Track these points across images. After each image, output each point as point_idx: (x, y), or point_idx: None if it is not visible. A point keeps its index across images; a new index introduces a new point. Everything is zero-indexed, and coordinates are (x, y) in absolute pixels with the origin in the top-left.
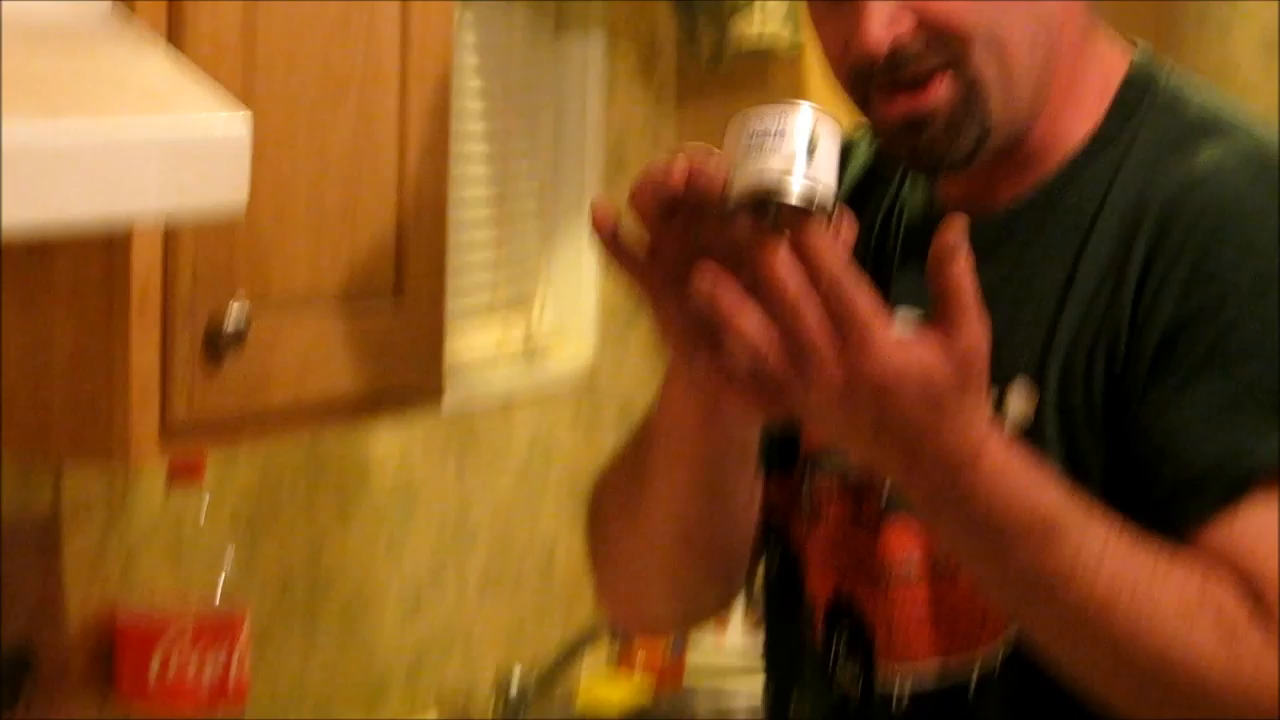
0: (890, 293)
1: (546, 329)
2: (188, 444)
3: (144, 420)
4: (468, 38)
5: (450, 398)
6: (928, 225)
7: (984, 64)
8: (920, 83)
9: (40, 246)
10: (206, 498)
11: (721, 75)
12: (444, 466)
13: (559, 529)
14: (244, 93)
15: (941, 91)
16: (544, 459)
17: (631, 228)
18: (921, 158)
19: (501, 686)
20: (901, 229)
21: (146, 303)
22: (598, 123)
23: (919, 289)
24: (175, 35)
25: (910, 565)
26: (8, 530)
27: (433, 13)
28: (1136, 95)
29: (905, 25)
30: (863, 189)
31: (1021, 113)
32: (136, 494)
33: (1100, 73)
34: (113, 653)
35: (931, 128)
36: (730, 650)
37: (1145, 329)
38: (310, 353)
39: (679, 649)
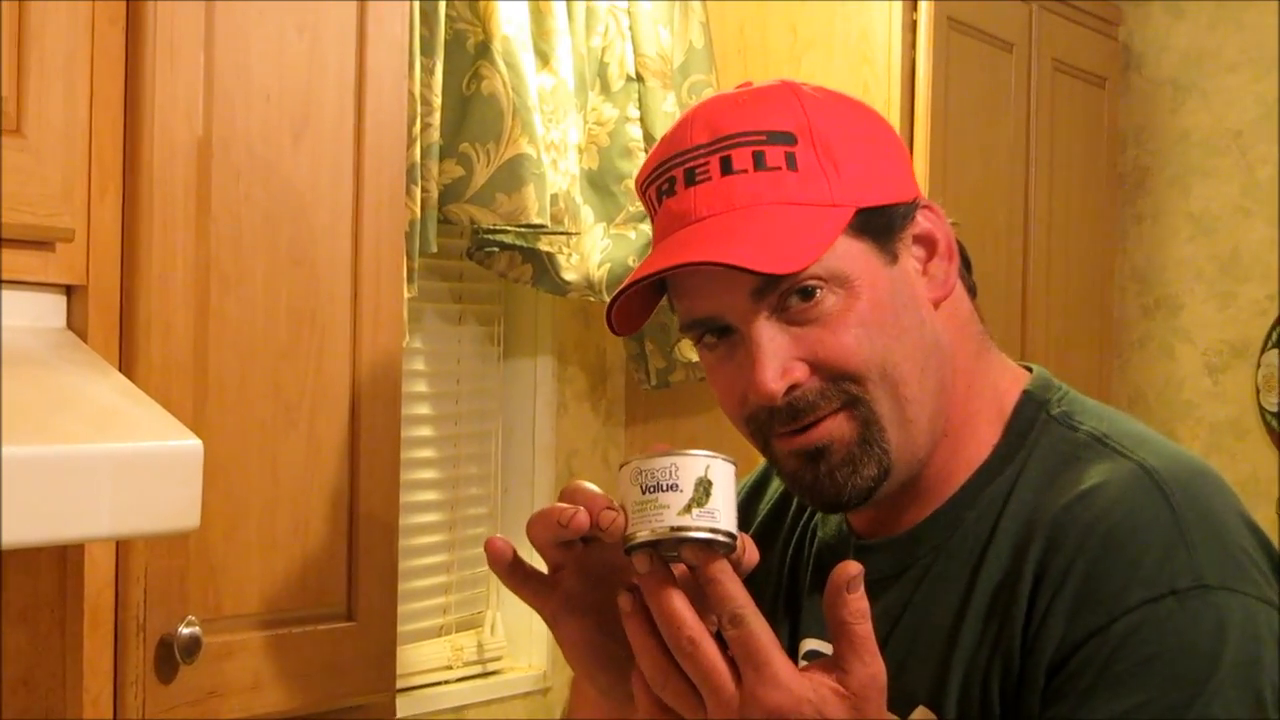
0: (800, 620)
1: (498, 645)
2: None
3: None
4: (417, 365)
5: (403, 710)
6: (837, 552)
7: (879, 399)
8: (819, 421)
9: None
10: None
11: (668, 396)
12: None
13: None
14: (196, 415)
15: (838, 426)
16: None
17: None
18: (823, 492)
19: None
20: (812, 556)
21: (99, 620)
22: (549, 443)
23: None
24: (128, 359)
25: None
26: None
27: (383, 329)
28: (1029, 419)
29: (799, 373)
30: (777, 514)
31: (920, 443)
32: None
33: (995, 397)
34: None
35: (830, 459)
36: None
37: (1036, 651)
38: (262, 670)
39: None
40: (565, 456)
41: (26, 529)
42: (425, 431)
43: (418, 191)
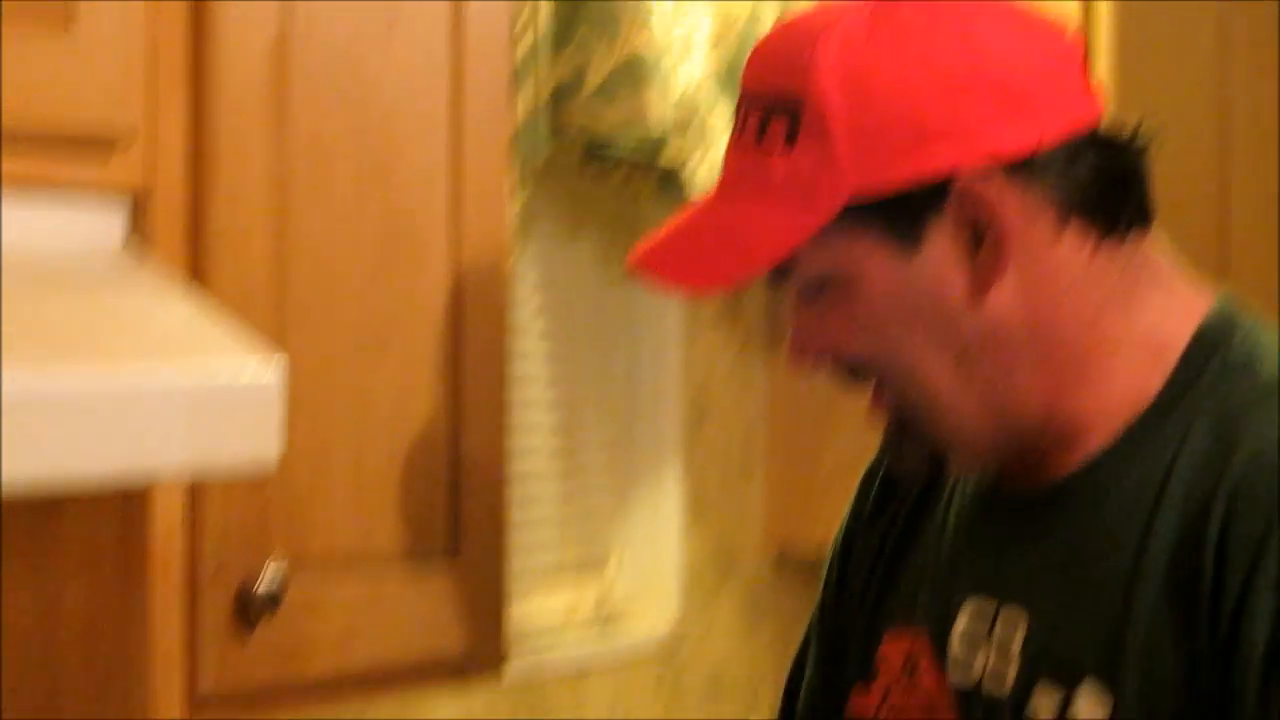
0: (957, 581)
1: (623, 593)
2: (218, 717)
3: (168, 693)
4: (529, 274)
5: (514, 666)
6: (982, 508)
7: (902, 393)
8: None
9: (48, 502)
10: None
11: None
12: None
13: None
14: (276, 336)
15: (882, 406)
16: None
17: None
18: (890, 461)
19: None
20: (961, 515)
21: (168, 566)
22: (677, 369)
23: (983, 576)
24: (198, 272)
25: None
26: None
27: (486, 247)
28: (1199, 363)
29: (815, 356)
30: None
31: (980, 429)
32: None
33: (1154, 341)
34: None
35: (889, 432)
36: None
37: (1240, 631)
38: (354, 618)
39: None
40: (695, 389)
41: (88, 467)
42: (536, 359)
43: (524, 93)
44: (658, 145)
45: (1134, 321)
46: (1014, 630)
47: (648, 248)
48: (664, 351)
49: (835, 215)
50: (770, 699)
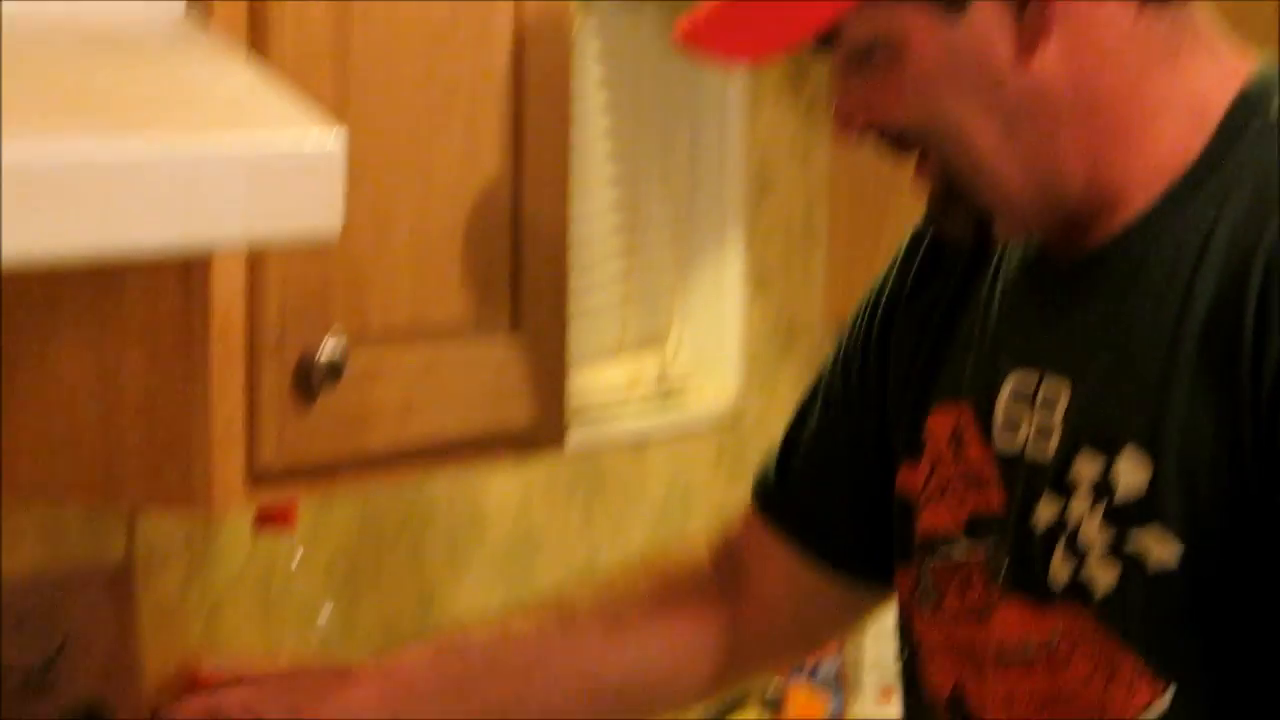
0: (1000, 356)
1: (684, 366)
2: (277, 490)
3: (228, 465)
4: (591, 45)
5: (575, 438)
6: (1026, 280)
7: (948, 160)
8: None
9: (108, 274)
10: (300, 551)
11: None
12: (569, 513)
13: None
14: (337, 104)
15: (926, 176)
16: (682, 505)
17: None
18: (935, 228)
19: None
20: (1005, 286)
21: (229, 336)
22: (739, 141)
23: (1026, 347)
24: (258, 40)
25: (1023, 650)
26: (77, 580)
27: (551, 14)
28: (1238, 126)
29: (860, 123)
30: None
31: (1024, 192)
32: (220, 540)
33: (1189, 99)
34: None
35: (933, 201)
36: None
37: (1272, 417)
38: (415, 390)
39: (838, 711)
40: (759, 159)
41: (148, 235)
42: (600, 126)
43: None
44: None
45: (1177, 84)
46: (1056, 400)
47: (693, 18)
48: (727, 123)
49: None
50: None
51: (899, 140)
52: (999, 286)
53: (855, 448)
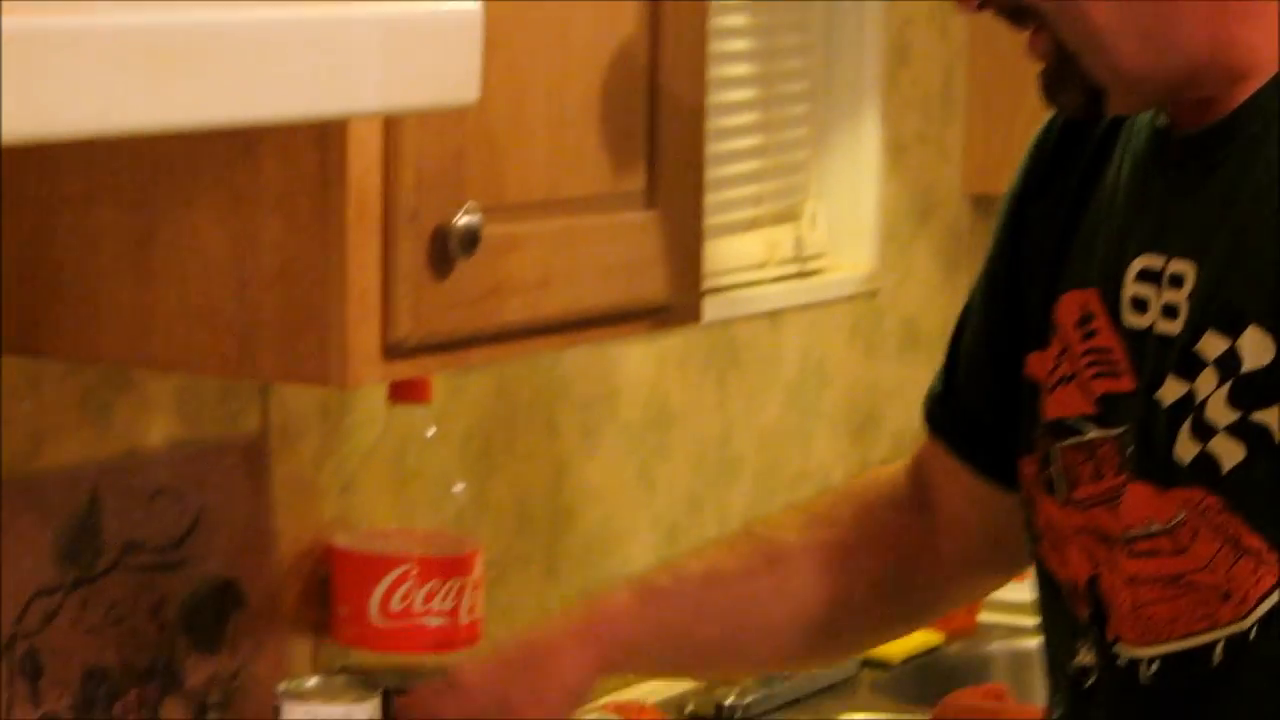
0: (1128, 239)
1: (819, 239)
2: (412, 364)
3: (363, 337)
4: None
5: (710, 312)
6: (1150, 163)
7: (1064, 31)
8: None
9: (244, 142)
10: (433, 429)
11: None
12: (703, 387)
13: (834, 458)
14: None
15: (1039, 49)
16: (816, 379)
17: None
18: (1049, 101)
19: None
20: (1127, 174)
21: (365, 207)
22: (877, 11)
23: (1151, 232)
24: None
25: (1147, 532)
26: (212, 454)
27: None
28: None
29: None
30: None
31: (1144, 63)
32: (355, 413)
33: None
34: (328, 590)
35: (1047, 74)
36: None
37: None
38: (550, 264)
39: None
40: (899, 22)
41: (284, 103)
42: (734, 6)
43: None
44: None
45: None
46: (1182, 280)
47: None
48: None
49: None
50: None
51: (1015, 14)
52: (1124, 172)
53: (1003, 354)
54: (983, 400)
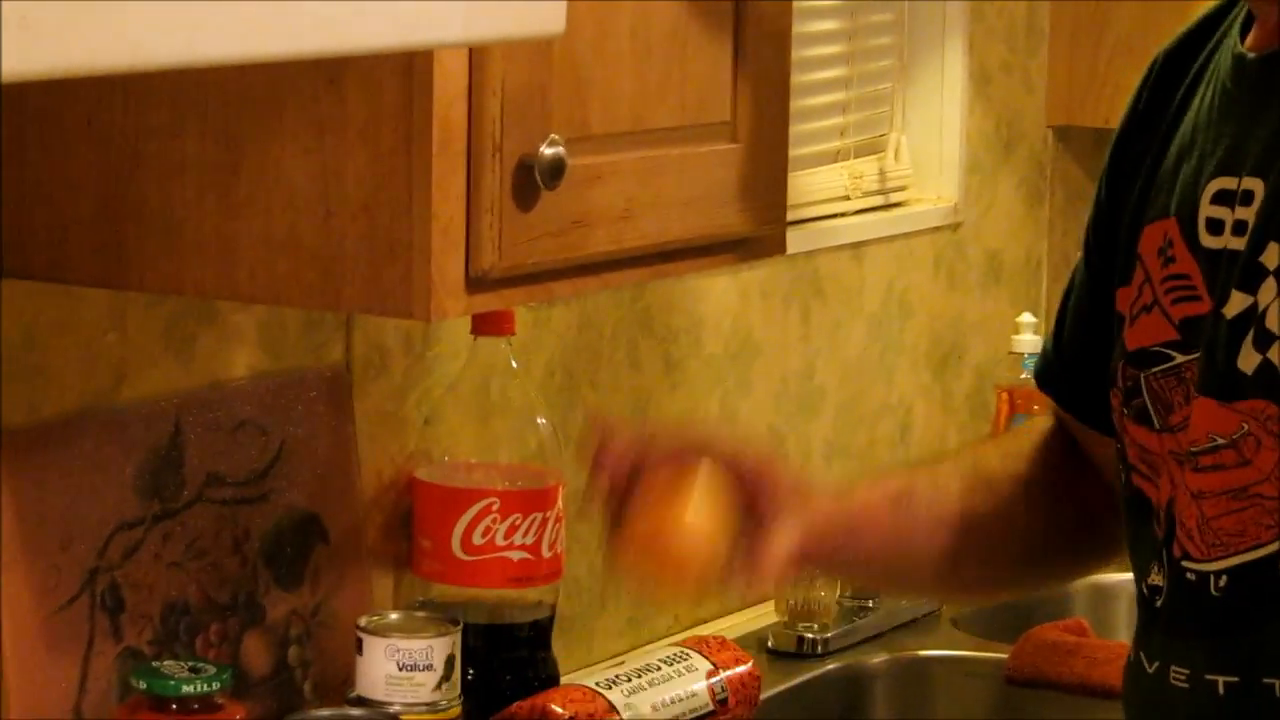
0: (1202, 168)
1: (903, 171)
2: (495, 296)
3: (447, 269)
4: None
5: (794, 243)
6: (1230, 85)
7: None
8: None
9: (329, 73)
10: (515, 363)
11: None
12: (786, 319)
13: (917, 391)
14: None
15: None
16: (900, 312)
17: None
18: None
19: None
20: (1207, 103)
21: (450, 137)
22: None
23: (1226, 156)
24: None
25: (1211, 447)
26: (295, 385)
27: None
28: None
29: None
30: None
31: None
32: (438, 345)
33: None
34: (411, 522)
35: None
36: None
37: None
38: (634, 196)
39: None
40: None
41: (369, 34)
42: None
43: None
44: None
45: None
46: (1251, 200)
47: None
48: None
49: None
50: (1050, 279)
51: None
52: (1207, 102)
53: (1102, 297)
54: (1089, 353)
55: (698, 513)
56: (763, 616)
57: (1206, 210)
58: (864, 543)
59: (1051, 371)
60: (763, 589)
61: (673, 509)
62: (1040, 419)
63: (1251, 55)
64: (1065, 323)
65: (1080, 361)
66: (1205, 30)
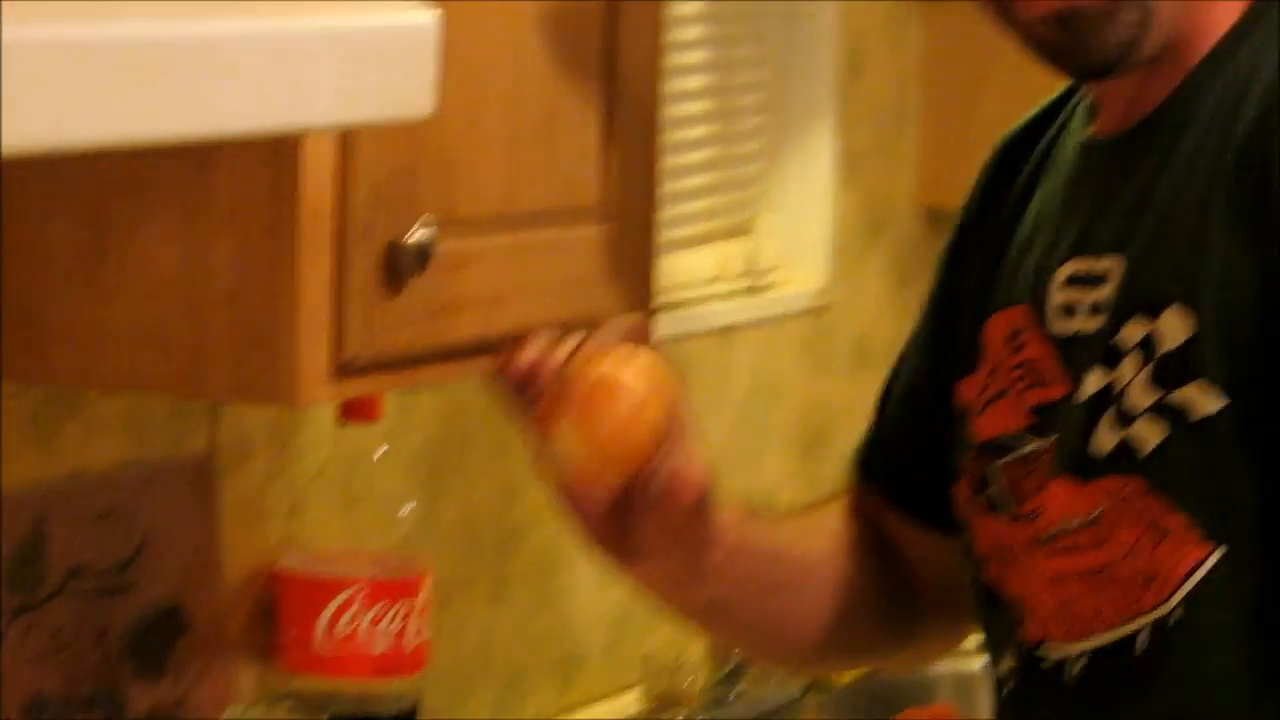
0: (1057, 245)
1: (772, 254)
2: (363, 382)
3: (314, 356)
4: None
5: (662, 327)
6: (1079, 165)
7: None
8: None
9: (197, 158)
10: (383, 447)
11: None
12: None
13: (784, 476)
14: None
15: None
16: (768, 395)
17: None
18: (1068, 54)
19: (715, 656)
20: (1056, 186)
21: (318, 222)
22: (832, 23)
23: (1079, 236)
24: None
25: (1068, 529)
26: (159, 475)
27: None
28: None
29: None
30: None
31: (1169, 9)
32: (303, 433)
33: None
34: (274, 613)
35: (1079, 19)
36: None
37: None
38: (503, 280)
39: None
40: (852, 39)
41: (236, 117)
42: (692, 7)
43: None
44: None
45: None
46: (1107, 279)
47: None
48: (819, 3)
49: None
50: None
51: None
52: (1053, 189)
53: (939, 388)
54: (917, 440)
55: (637, 377)
56: (628, 705)
57: (1059, 295)
58: (744, 563)
59: (877, 462)
60: (684, 500)
61: (610, 369)
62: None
63: (1100, 139)
64: (892, 412)
65: (910, 452)
66: (1046, 118)
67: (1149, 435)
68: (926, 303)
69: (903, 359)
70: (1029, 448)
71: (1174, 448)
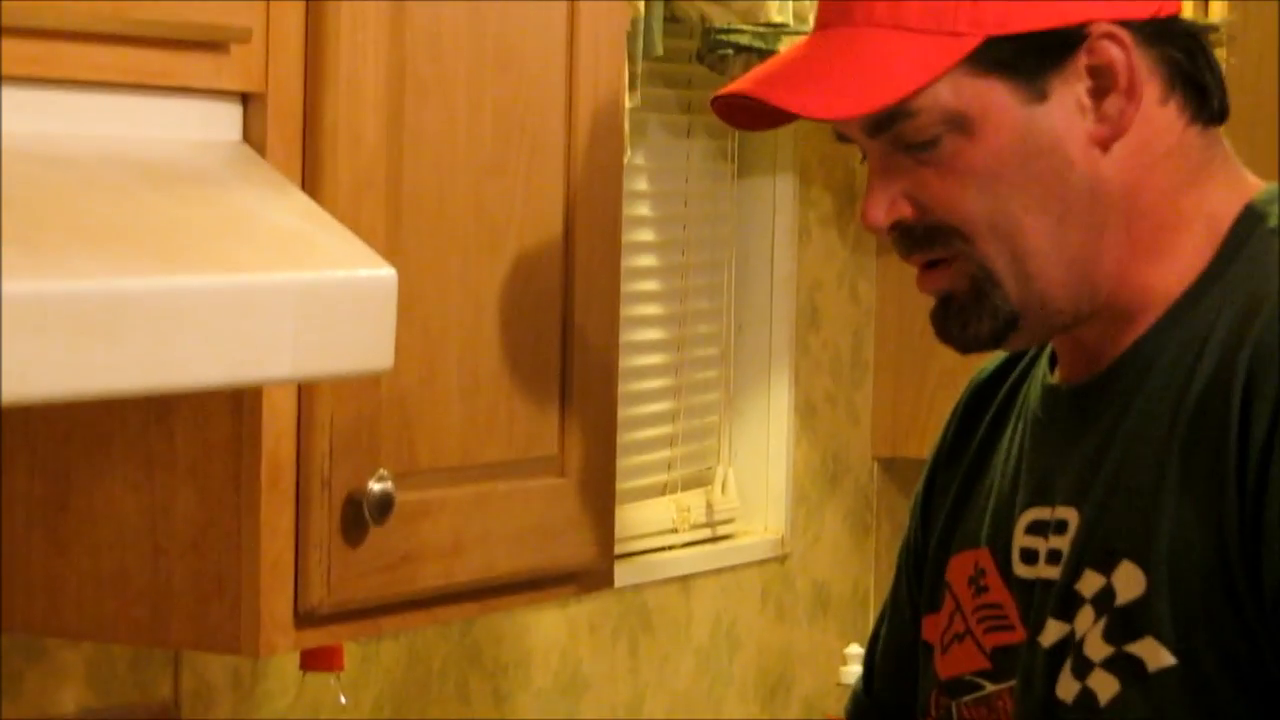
0: (1018, 493)
1: (730, 503)
2: (324, 632)
3: (275, 605)
4: (639, 184)
5: (622, 576)
6: (1042, 414)
7: (990, 255)
8: (934, 264)
9: (158, 408)
10: (344, 699)
11: None
12: (614, 652)
13: None
14: (388, 240)
15: (948, 279)
16: (729, 644)
17: None
18: (949, 336)
19: None
20: (1023, 424)
21: (278, 474)
22: (788, 275)
23: (1039, 485)
24: (311, 177)
25: None
26: None
27: (600, 152)
28: (1243, 235)
29: (905, 211)
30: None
31: (1057, 293)
32: (267, 681)
33: (1208, 215)
34: None
35: (950, 305)
36: None
37: (1257, 500)
38: (463, 531)
39: None
40: (807, 290)
41: (198, 371)
42: (648, 260)
43: None
44: (779, 33)
45: (1202, 201)
46: (1065, 529)
47: (760, 75)
48: (775, 255)
49: (971, 53)
50: (878, 610)
51: (928, 237)
52: (1018, 432)
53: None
54: (903, 688)
55: None
56: None
57: (1021, 540)
58: None
59: (863, 704)
60: None
61: None
62: None
63: (1063, 387)
64: (876, 662)
65: (895, 700)
66: (1013, 361)
67: (1105, 687)
68: (901, 552)
69: (885, 606)
70: (985, 690)
71: (1129, 701)
